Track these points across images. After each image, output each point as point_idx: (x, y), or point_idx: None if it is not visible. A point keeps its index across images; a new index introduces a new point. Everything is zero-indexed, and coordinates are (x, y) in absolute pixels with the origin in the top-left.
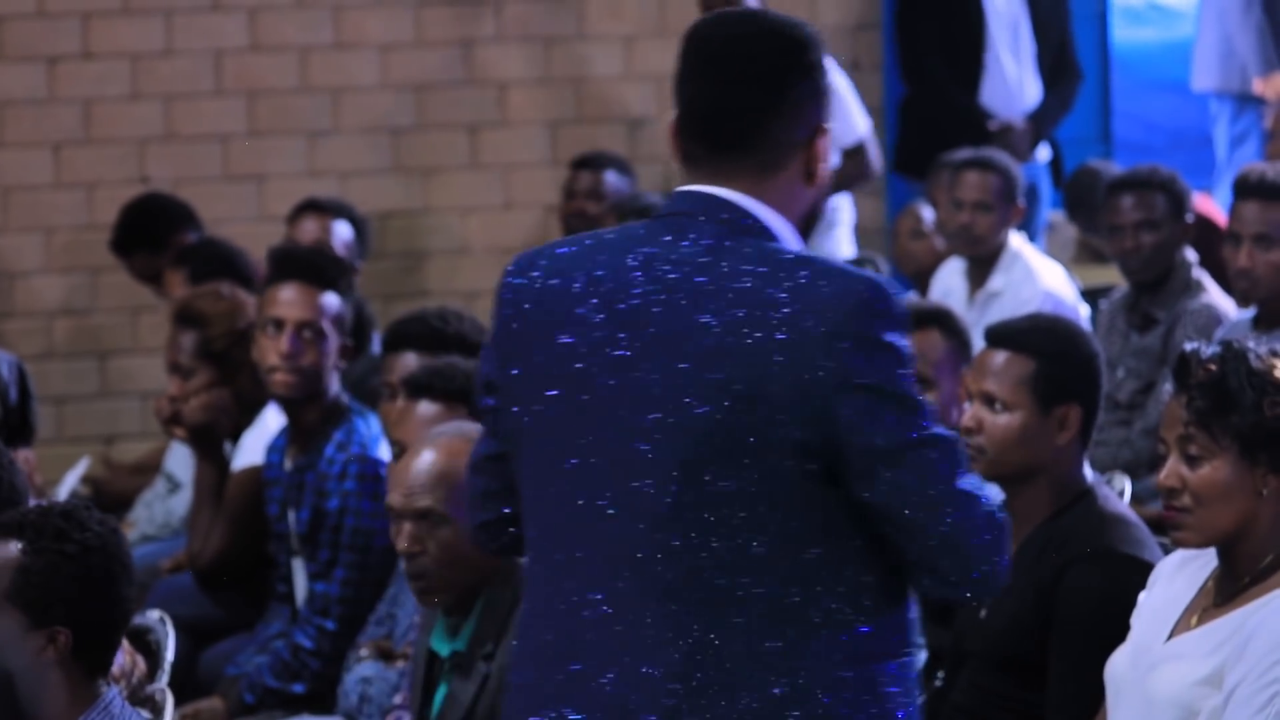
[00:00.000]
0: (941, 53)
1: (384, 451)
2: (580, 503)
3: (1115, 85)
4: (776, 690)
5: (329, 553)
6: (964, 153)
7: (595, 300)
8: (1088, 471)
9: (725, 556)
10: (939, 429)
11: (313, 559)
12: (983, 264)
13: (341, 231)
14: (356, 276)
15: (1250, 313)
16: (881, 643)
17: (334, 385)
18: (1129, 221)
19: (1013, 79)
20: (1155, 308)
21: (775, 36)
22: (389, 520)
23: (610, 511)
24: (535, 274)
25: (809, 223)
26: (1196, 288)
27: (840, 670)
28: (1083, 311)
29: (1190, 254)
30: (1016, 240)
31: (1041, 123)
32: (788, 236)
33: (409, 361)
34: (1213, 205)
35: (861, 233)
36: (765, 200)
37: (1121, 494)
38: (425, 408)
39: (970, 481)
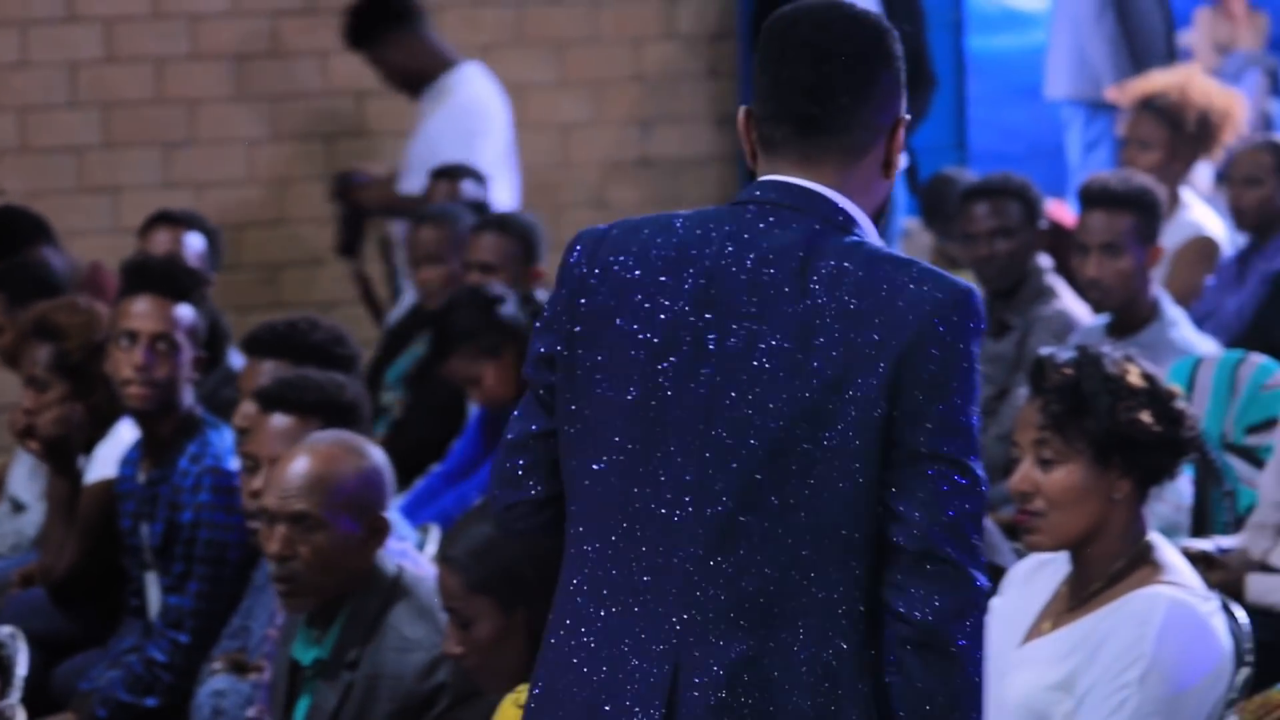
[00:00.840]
0: None
1: (235, 463)
2: (647, 490)
3: (971, 92)
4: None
5: (183, 565)
6: None
7: (683, 287)
8: None
9: (785, 559)
10: (980, 469)
11: (166, 572)
12: None
13: (194, 243)
14: (209, 288)
15: (1104, 319)
16: None
17: (188, 397)
18: (983, 229)
19: None
20: (1009, 314)
21: (862, 23)
22: (259, 523)
23: (672, 502)
24: (610, 255)
25: (878, 219)
26: (1050, 294)
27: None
28: None
29: (1044, 260)
30: None
31: None
32: (871, 232)
33: (269, 370)
34: (1066, 212)
35: None
36: (847, 191)
37: None
38: (278, 420)
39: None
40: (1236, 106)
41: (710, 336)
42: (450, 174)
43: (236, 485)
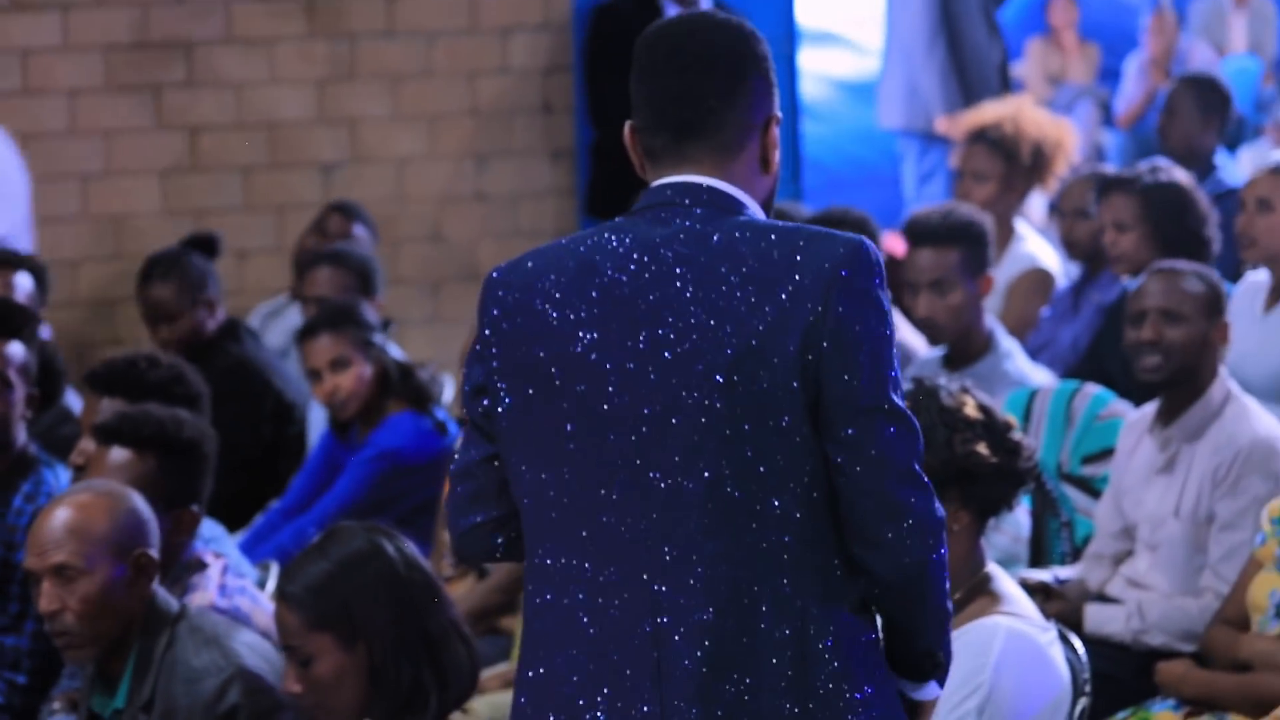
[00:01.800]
0: (628, 96)
1: None
2: (600, 490)
3: (805, 123)
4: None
5: (18, 605)
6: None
7: (595, 292)
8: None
9: (755, 520)
10: (905, 407)
11: (2, 612)
12: None
13: (22, 282)
14: (40, 325)
15: (940, 351)
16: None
17: (21, 436)
18: None
19: None
20: None
21: (727, 29)
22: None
23: (633, 494)
24: (523, 276)
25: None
26: None
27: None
28: None
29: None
30: None
31: None
32: (760, 215)
33: (107, 407)
34: (899, 244)
35: None
36: (730, 184)
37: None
38: (116, 454)
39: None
40: (1068, 137)
41: (630, 340)
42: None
43: None
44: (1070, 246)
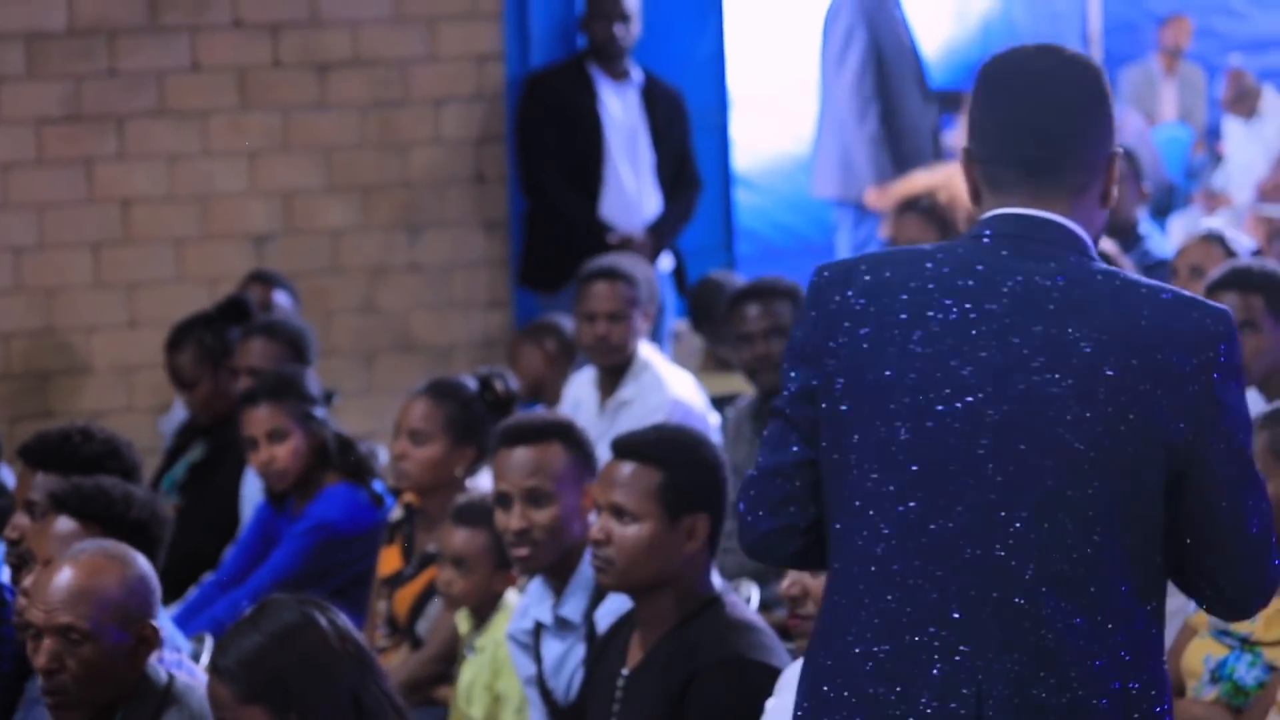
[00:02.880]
0: (560, 165)
1: (4, 574)
2: (934, 520)
3: (739, 193)
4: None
5: None
6: (592, 264)
7: (959, 313)
8: (715, 579)
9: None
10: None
11: None
12: (613, 373)
13: None
14: None
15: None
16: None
17: None
18: (757, 329)
19: (631, 190)
20: None
21: (1082, 67)
22: (27, 638)
23: (966, 527)
24: (865, 284)
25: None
26: None
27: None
28: (711, 420)
29: None
30: (646, 349)
31: (662, 233)
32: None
33: (41, 482)
34: None
35: (488, 346)
36: (1074, 221)
37: (749, 601)
38: (62, 524)
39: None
40: None
41: (993, 366)
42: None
43: (7, 599)
44: None
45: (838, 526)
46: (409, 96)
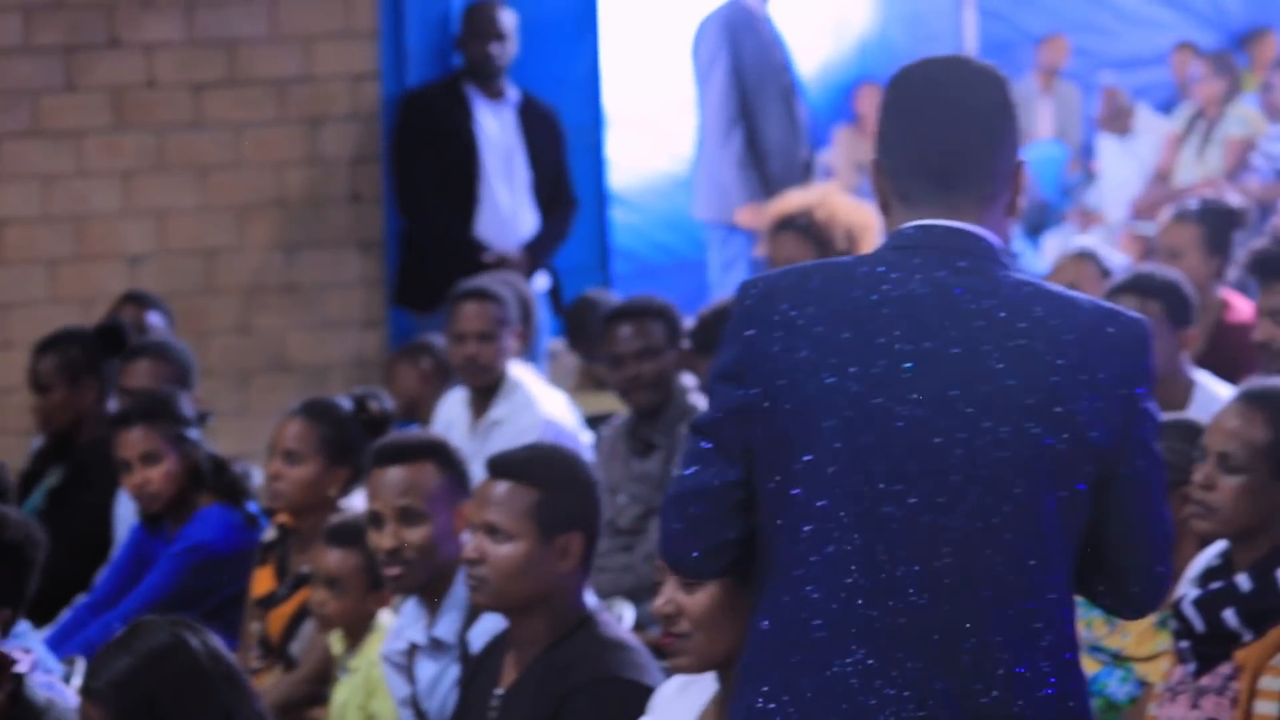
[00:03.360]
0: (436, 185)
1: None
2: (871, 533)
3: (614, 211)
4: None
5: None
6: (462, 284)
7: (896, 327)
8: (589, 598)
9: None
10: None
11: None
12: (484, 393)
13: None
14: None
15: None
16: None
17: None
18: (628, 351)
19: (507, 209)
20: (654, 433)
21: (990, 79)
22: None
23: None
24: (794, 300)
25: None
26: (694, 412)
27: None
28: (584, 439)
29: (687, 379)
30: (517, 369)
31: (538, 252)
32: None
33: None
34: None
35: (364, 366)
36: (986, 230)
37: (623, 620)
38: None
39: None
40: (873, 220)
41: (909, 383)
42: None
43: None
44: None
45: (774, 545)
46: (285, 116)
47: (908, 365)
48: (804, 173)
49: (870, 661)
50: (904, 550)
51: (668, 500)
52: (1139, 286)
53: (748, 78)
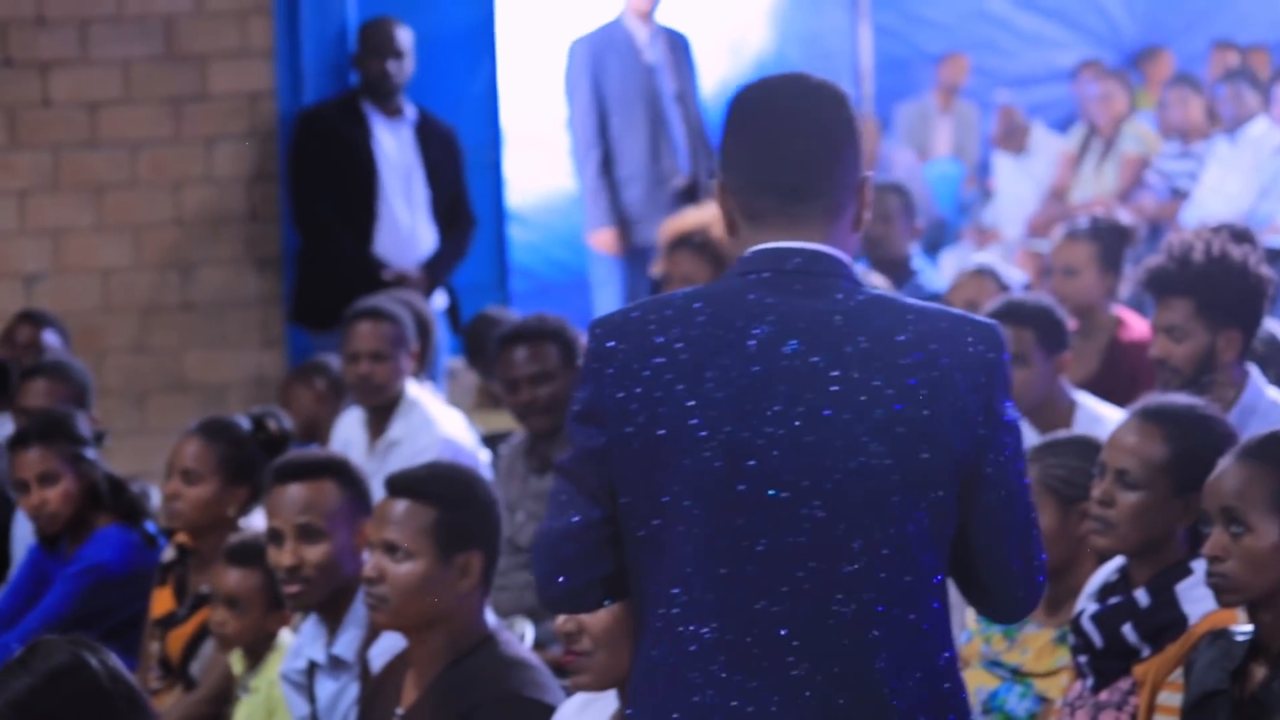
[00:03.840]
0: (334, 203)
1: None
2: (739, 562)
3: (512, 229)
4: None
5: None
6: (357, 304)
7: (742, 355)
8: (490, 617)
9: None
10: (1022, 456)
11: None
12: (381, 413)
13: None
14: None
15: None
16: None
17: None
18: (523, 374)
19: (406, 228)
20: (553, 452)
21: (829, 94)
22: None
23: (781, 558)
24: (641, 337)
25: None
26: None
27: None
28: (482, 457)
29: None
30: (414, 388)
31: (436, 270)
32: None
33: None
34: None
35: (261, 385)
36: (831, 245)
37: (523, 638)
38: None
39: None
40: None
41: (776, 406)
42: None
43: None
44: None
45: (643, 578)
46: (180, 135)
47: (760, 392)
48: (683, 196)
49: (736, 690)
50: (769, 578)
51: (537, 542)
52: (1010, 315)
53: (608, 102)
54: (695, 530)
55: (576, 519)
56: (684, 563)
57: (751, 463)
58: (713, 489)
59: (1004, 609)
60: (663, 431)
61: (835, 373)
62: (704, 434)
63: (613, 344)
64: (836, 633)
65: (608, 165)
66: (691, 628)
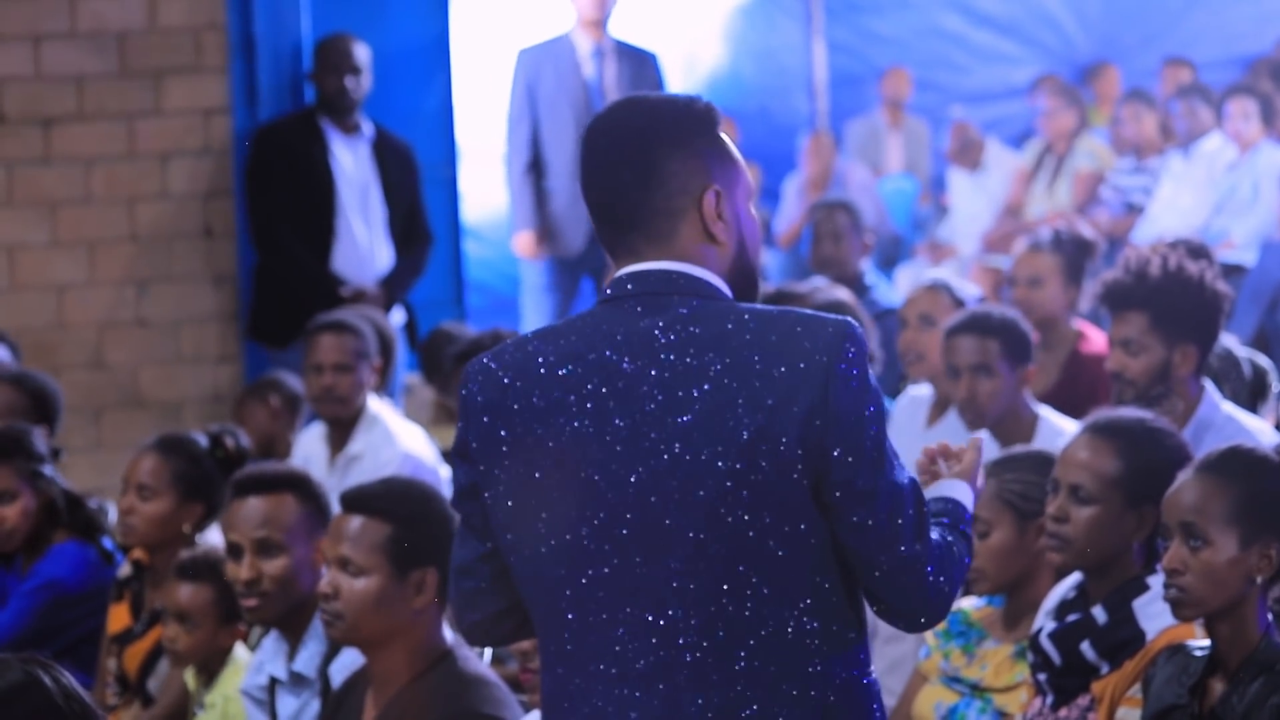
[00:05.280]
0: (291, 219)
1: None
2: (603, 590)
3: (468, 244)
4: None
5: None
6: (319, 317)
7: (589, 385)
8: (448, 633)
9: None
10: (900, 471)
11: None
12: (343, 427)
13: None
14: None
15: None
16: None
17: None
18: None
19: (364, 244)
20: None
21: (644, 114)
22: None
23: (647, 574)
24: (506, 375)
25: (747, 284)
26: None
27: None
28: (442, 473)
29: None
30: (375, 403)
31: (394, 286)
32: (726, 292)
33: None
34: None
35: (218, 401)
36: (677, 262)
37: (481, 655)
38: None
39: (920, 521)
40: None
41: (627, 429)
42: None
43: None
44: None
45: (529, 609)
46: (135, 151)
47: (603, 420)
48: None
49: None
50: (631, 605)
51: (449, 573)
52: (976, 326)
53: (540, 112)
54: (550, 567)
55: (468, 553)
56: (551, 599)
57: (594, 494)
58: (563, 527)
59: (900, 616)
60: (509, 475)
61: (674, 394)
62: (540, 481)
63: (471, 386)
64: (706, 656)
65: (536, 172)
66: (569, 664)
